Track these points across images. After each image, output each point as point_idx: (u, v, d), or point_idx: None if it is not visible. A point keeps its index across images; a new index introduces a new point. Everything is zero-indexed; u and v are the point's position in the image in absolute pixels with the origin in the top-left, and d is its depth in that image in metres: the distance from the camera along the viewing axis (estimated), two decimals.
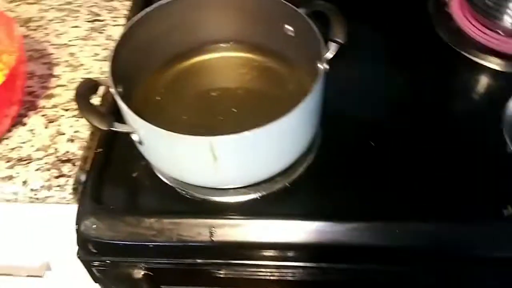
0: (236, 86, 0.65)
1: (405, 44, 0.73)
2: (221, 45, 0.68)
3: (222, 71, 0.67)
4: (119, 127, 0.51)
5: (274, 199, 0.56)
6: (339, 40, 0.56)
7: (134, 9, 0.78)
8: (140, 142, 0.52)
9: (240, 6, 0.65)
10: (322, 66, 0.55)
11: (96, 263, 0.55)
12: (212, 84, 0.65)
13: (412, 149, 0.60)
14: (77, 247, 0.54)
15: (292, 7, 0.59)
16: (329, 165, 0.59)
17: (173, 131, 0.48)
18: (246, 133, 0.47)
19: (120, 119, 0.52)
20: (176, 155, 0.51)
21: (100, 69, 0.67)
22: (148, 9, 0.60)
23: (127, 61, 0.59)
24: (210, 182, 0.54)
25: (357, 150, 0.60)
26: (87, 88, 0.52)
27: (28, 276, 0.71)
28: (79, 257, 0.55)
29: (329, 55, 0.56)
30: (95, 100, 0.63)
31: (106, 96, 0.65)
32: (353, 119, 0.63)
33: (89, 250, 0.53)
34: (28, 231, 0.66)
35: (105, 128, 0.49)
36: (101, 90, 0.61)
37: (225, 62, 0.68)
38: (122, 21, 0.74)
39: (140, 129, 0.50)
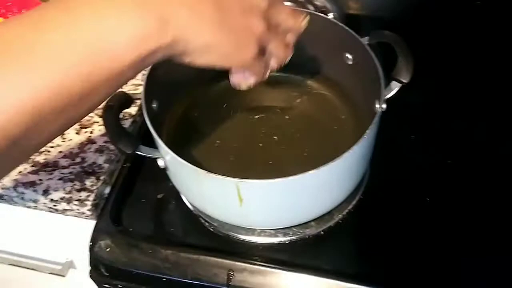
0: (283, 110, 0.60)
1: (481, 87, 0.64)
2: None
3: (270, 92, 0.62)
4: (144, 151, 0.47)
5: (304, 246, 0.50)
6: (403, 80, 0.50)
7: None
8: (166, 168, 0.48)
9: None
10: (380, 106, 0.48)
11: (106, 286, 0.52)
12: (258, 105, 0.60)
13: (478, 215, 0.52)
14: (89, 267, 0.51)
15: (355, 35, 0.53)
16: (371, 216, 0.52)
17: (199, 164, 0.43)
18: (277, 181, 0.42)
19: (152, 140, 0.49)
20: (201, 189, 0.47)
21: (144, 76, 0.63)
22: None
23: (170, 73, 0.55)
24: (235, 221, 0.50)
25: (407, 203, 0.53)
26: (118, 102, 0.48)
27: (50, 273, 0.70)
28: (91, 277, 0.52)
29: (389, 94, 0.50)
30: (133, 109, 0.60)
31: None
32: (409, 165, 0.56)
33: (101, 271, 0.51)
34: (55, 230, 0.65)
35: (129, 152, 0.45)
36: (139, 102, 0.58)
37: (275, 82, 0.63)
38: None
39: (165, 156, 0.46)
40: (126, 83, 0.36)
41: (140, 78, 0.63)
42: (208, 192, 0.46)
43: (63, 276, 0.70)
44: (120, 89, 0.56)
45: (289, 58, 0.47)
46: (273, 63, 0.45)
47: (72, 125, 0.35)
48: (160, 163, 0.47)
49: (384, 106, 0.50)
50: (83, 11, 0.32)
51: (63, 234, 0.65)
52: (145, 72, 0.52)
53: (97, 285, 0.53)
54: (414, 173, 0.55)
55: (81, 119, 0.35)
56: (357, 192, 0.54)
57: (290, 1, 0.74)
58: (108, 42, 0.32)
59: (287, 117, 0.59)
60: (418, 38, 0.70)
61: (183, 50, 0.36)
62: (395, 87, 0.50)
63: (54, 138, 0.34)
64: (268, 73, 0.46)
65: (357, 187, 0.53)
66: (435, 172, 0.55)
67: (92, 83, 0.32)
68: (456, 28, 0.71)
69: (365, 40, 0.53)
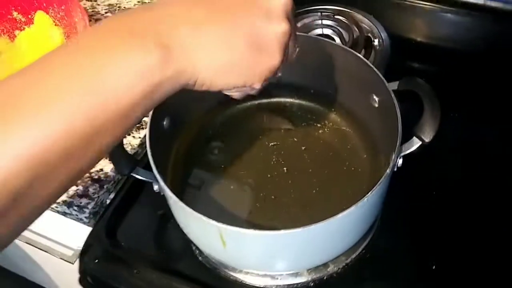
0: (300, 141, 0.57)
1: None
2: (300, 91, 0.60)
3: (291, 120, 0.59)
4: (141, 174, 0.46)
5: None
6: (424, 139, 0.45)
7: None
8: (160, 193, 0.47)
9: (330, 61, 0.55)
10: (395, 162, 0.45)
11: None
12: (275, 132, 0.58)
13: None
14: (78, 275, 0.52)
15: (383, 80, 0.49)
16: (369, 274, 0.49)
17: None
18: (261, 233, 0.40)
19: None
20: (188, 224, 0.46)
21: None
22: None
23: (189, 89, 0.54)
24: (220, 258, 0.48)
25: (411, 267, 0.49)
26: None
27: (60, 259, 0.73)
28: (79, 282, 0.53)
29: (408, 150, 0.46)
30: None
31: None
32: (420, 226, 0.52)
33: (88, 281, 0.51)
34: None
35: (125, 174, 0.45)
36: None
37: (298, 110, 0.60)
38: None
39: (159, 182, 0.45)
40: (138, 123, 0.32)
41: None
42: (194, 228, 0.45)
43: (72, 263, 0.72)
44: None
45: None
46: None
47: (83, 174, 0.32)
48: (155, 187, 0.47)
49: (400, 162, 0.46)
50: (85, 52, 0.30)
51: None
52: None
53: None
54: (424, 235, 0.51)
55: (92, 167, 0.32)
56: (360, 245, 0.50)
57: (334, 21, 0.70)
58: (110, 80, 0.29)
59: (303, 147, 0.56)
60: (463, 74, 0.65)
61: (194, 77, 0.33)
62: (416, 144, 0.46)
63: (65, 190, 0.32)
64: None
65: (362, 238, 0.49)
66: (446, 239, 0.50)
67: (97, 125, 0.29)
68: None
69: (394, 85, 0.49)
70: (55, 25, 0.63)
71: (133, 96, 0.30)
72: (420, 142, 0.46)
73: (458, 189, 0.54)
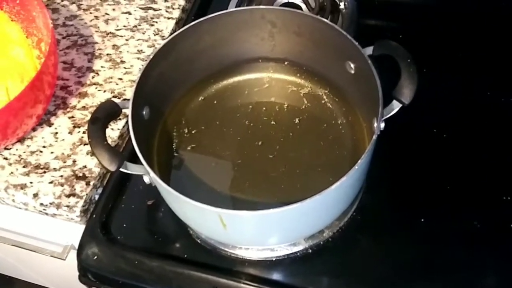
0: (280, 114, 0.57)
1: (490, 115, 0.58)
2: (275, 64, 0.60)
3: (269, 94, 0.59)
4: (130, 168, 0.46)
5: (290, 264, 0.50)
6: (404, 101, 0.47)
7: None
8: (152, 184, 0.47)
9: (300, 31, 0.55)
10: (378, 126, 0.46)
11: None
12: (254, 108, 0.58)
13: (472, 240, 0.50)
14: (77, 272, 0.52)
15: (356, 46, 0.50)
16: (363, 235, 0.51)
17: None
18: (260, 213, 0.40)
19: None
20: (185, 211, 0.46)
21: (140, 70, 0.61)
22: (194, 22, 0.53)
23: (163, 76, 0.54)
24: (220, 239, 0.49)
25: (402, 222, 0.51)
26: (104, 114, 0.47)
27: (51, 256, 0.72)
28: (79, 280, 0.53)
29: (389, 114, 0.47)
30: None
31: None
32: (407, 183, 0.54)
33: (89, 277, 0.51)
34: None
35: (113, 170, 0.44)
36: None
37: (274, 83, 0.60)
38: (177, 13, 0.67)
39: (151, 175, 0.45)
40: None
41: (137, 72, 0.61)
42: (193, 215, 0.45)
43: (63, 259, 0.72)
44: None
45: None
46: None
47: None
48: (146, 179, 0.47)
49: (382, 125, 0.47)
50: None
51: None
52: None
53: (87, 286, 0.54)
54: (409, 192, 0.53)
55: None
56: (351, 208, 0.52)
57: None
58: None
59: (284, 120, 0.57)
60: (429, 28, 0.66)
61: None
62: (396, 107, 0.47)
63: None
64: None
65: (350, 204, 0.51)
66: (431, 194, 0.53)
67: None
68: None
69: (369, 50, 0.50)
70: (12, 20, 0.60)
71: None
72: (400, 105, 0.47)
73: (438, 143, 0.56)
